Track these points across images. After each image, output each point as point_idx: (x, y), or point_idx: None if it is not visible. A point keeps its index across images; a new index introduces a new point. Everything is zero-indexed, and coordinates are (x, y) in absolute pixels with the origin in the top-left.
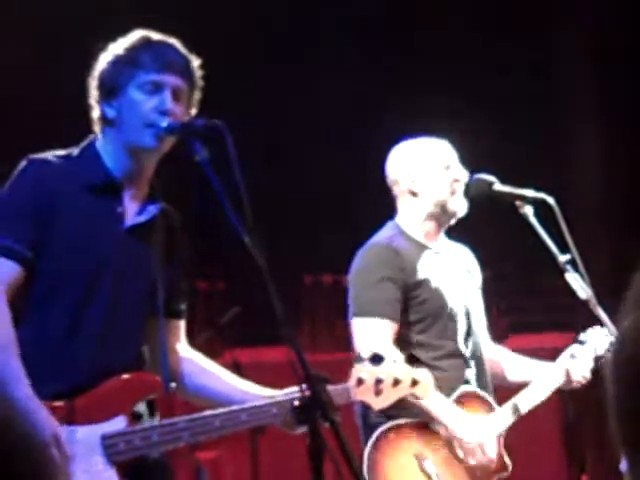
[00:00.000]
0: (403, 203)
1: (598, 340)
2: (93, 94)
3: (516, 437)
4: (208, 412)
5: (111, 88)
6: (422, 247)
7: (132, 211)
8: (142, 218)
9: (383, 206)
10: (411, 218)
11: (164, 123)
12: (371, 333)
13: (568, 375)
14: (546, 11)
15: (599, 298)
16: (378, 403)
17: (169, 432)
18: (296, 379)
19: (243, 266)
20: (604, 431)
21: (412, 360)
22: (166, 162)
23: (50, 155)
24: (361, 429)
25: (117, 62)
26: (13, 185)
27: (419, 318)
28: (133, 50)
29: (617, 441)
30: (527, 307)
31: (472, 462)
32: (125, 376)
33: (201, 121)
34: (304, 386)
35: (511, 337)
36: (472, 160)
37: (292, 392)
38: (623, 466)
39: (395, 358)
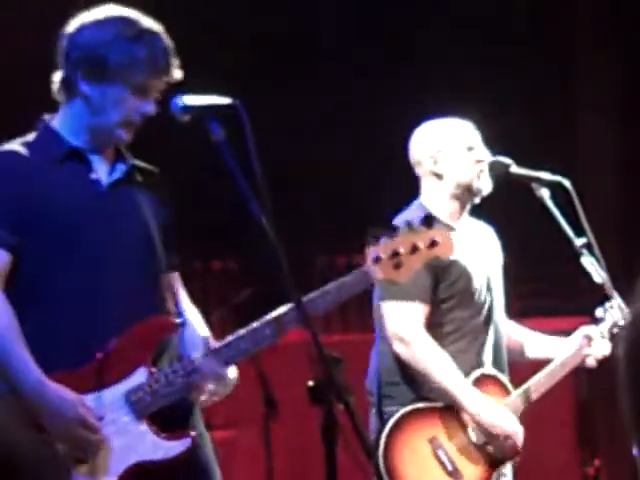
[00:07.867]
0: (427, 184)
1: (616, 314)
2: (71, 58)
3: (528, 422)
4: (225, 340)
5: (98, 70)
6: (448, 229)
7: (104, 173)
8: (115, 176)
9: (400, 187)
10: (435, 199)
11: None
12: (404, 316)
13: (584, 356)
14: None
15: (614, 281)
16: (401, 276)
17: (192, 371)
18: (309, 360)
19: (257, 246)
20: (617, 415)
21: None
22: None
23: (9, 145)
24: (374, 418)
25: (111, 47)
26: None
27: (445, 298)
28: (131, 42)
29: (627, 426)
30: (539, 291)
31: (491, 449)
32: (136, 327)
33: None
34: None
35: (524, 321)
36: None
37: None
38: (636, 450)
39: (410, 221)
